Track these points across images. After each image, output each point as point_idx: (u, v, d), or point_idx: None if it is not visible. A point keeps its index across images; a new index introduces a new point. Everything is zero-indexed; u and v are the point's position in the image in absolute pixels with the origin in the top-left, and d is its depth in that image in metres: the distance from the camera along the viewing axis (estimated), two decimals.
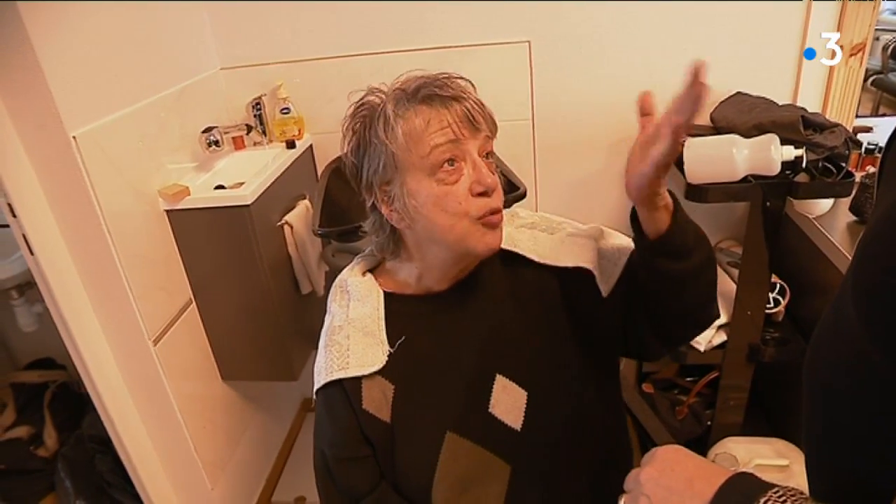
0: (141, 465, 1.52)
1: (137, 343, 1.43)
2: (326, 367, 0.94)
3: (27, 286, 1.90)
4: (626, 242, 0.98)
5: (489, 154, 0.88)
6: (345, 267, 1.05)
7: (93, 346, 1.41)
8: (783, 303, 1.52)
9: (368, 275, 1.01)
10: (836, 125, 1.34)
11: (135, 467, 1.51)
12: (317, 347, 0.99)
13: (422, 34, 1.73)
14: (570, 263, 0.96)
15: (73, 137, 1.23)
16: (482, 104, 0.87)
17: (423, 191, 0.85)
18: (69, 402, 2.05)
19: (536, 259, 0.98)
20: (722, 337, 1.55)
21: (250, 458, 1.91)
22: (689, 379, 1.81)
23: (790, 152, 1.29)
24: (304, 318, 1.74)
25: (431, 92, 0.84)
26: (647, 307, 0.94)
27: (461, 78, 0.88)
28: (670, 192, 0.83)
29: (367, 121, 0.88)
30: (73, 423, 2.00)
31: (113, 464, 1.85)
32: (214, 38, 1.78)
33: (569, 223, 1.05)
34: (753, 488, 0.49)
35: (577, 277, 0.96)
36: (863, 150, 1.53)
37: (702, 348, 1.54)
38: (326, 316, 1.02)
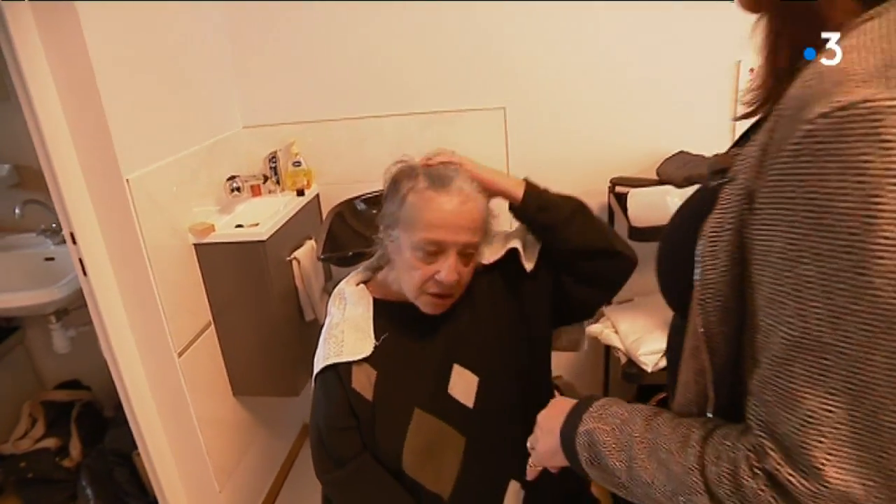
0: (158, 461, 1.74)
1: (165, 355, 1.67)
2: (325, 355, 1.20)
3: (64, 312, 2.15)
4: None
5: (470, 253, 1.16)
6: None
7: (127, 357, 1.65)
8: None
9: (361, 285, 1.29)
10: None
11: (152, 462, 1.73)
12: (312, 377, 1.25)
13: (412, 100, 2.03)
14: (503, 251, 1.25)
15: (127, 180, 1.51)
16: (479, 214, 1.15)
17: (404, 254, 1.16)
18: (93, 419, 2.28)
19: (485, 262, 1.26)
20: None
21: (254, 468, 2.11)
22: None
23: None
24: (307, 342, 1.97)
25: (445, 192, 1.12)
26: (557, 260, 1.23)
27: (470, 183, 1.16)
28: (526, 179, 1.21)
29: (398, 184, 1.17)
30: (96, 438, 2.21)
31: (130, 475, 2.06)
32: (239, 102, 2.10)
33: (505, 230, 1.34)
34: (592, 399, 0.74)
35: (510, 262, 1.25)
36: None
37: (649, 369, 1.77)
38: (327, 317, 1.29)
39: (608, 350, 2.11)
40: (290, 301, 1.92)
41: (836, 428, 0.46)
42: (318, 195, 2.16)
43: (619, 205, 1.85)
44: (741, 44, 0.61)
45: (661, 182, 1.85)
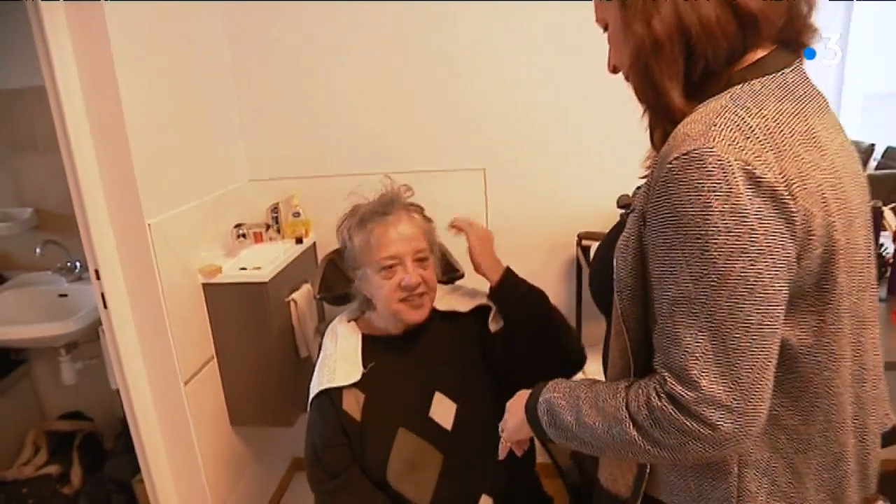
0: (160, 485, 1.87)
1: (172, 384, 1.83)
2: (319, 382, 1.39)
3: (73, 345, 2.31)
4: None
5: (423, 258, 1.39)
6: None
7: (138, 384, 1.81)
8: None
9: (352, 322, 1.49)
10: None
11: (154, 486, 1.86)
12: (305, 409, 1.44)
13: (402, 160, 2.27)
14: (477, 303, 1.46)
15: (149, 225, 1.71)
16: (420, 224, 1.40)
17: (373, 280, 1.37)
18: (94, 448, 2.40)
19: (463, 310, 1.47)
20: None
21: (247, 496, 2.23)
22: None
23: None
24: (301, 377, 2.14)
25: (384, 219, 1.37)
26: (516, 343, 1.40)
27: (412, 205, 1.44)
28: (509, 268, 1.42)
29: (347, 229, 1.41)
30: (96, 467, 2.34)
31: (127, 502, 2.18)
32: (246, 158, 2.33)
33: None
34: (546, 382, 0.95)
35: (483, 315, 1.45)
36: None
37: None
38: (321, 350, 1.48)
39: None
40: (287, 338, 2.10)
41: (704, 354, 0.70)
42: (314, 243, 2.36)
43: (585, 257, 2.08)
44: None
45: None
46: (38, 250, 2.29)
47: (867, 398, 0.85)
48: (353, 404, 1.37)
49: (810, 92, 0.78)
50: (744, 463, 0.81)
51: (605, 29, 0.90)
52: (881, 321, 1.29)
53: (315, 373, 1.44)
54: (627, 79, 0.86)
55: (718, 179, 0.67)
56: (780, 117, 0.72)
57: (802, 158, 0.71)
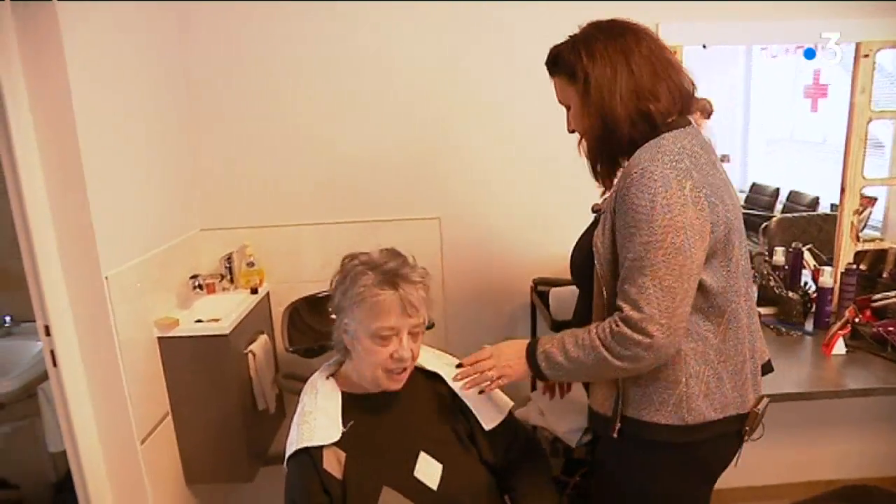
0: None
1: (128, 443, 1.74)
2: (298, 439, 1.35)
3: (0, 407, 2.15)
4: (506, 402, 1.51)
5: (417, 332, 1.36)
6: (297, 387, 1.52)
7: (89, 446, 1.71)
8: None
9: (331, 378, 1.47)
10: None
11: None
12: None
13: (355, 209, 2.30)
14: (467, 401, 1.46)
15: (106, 277, 1.65)
16: (421, 299, 1.34)
17: (364, 342, 1.34)
18: None
19: (453, 387, 1.47)
20: (589, 435, 2.03)
21: None
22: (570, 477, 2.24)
23: None
24: (259, 430, 2.09)
25: (391, 291, 1.31)
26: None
27: (415, 270, 1.38)
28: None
29: (346, 285, 1.36)
30: None
31: None
32: (198, 207, 2.29)
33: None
34: (537, 340, 1.24)
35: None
36: None
37: (573, 444, 2.00)
38: (299, 405, 1.45)
39: (534, 429, 2.34)
40: (245, 391, 2.04)
41: (647, 291, 1.13)
42: (268, 293, 2.33)
43: (541, 301, 2.15)
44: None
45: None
46: None
47: (755, 331, 1.33)
48: (333, 463, 1.34)
49: (703, 138, 1.26)
50: (688, 374, 1.22)
51: (568, 109, 1.30)
52: (812, 353, 2.02)
53: (292, 429, 1.40)
54: (584, 138, 1.32)
55: (661, 184, 1.12)
56: (692, 149, 1.20)
57: (707, 172, 1.18)
